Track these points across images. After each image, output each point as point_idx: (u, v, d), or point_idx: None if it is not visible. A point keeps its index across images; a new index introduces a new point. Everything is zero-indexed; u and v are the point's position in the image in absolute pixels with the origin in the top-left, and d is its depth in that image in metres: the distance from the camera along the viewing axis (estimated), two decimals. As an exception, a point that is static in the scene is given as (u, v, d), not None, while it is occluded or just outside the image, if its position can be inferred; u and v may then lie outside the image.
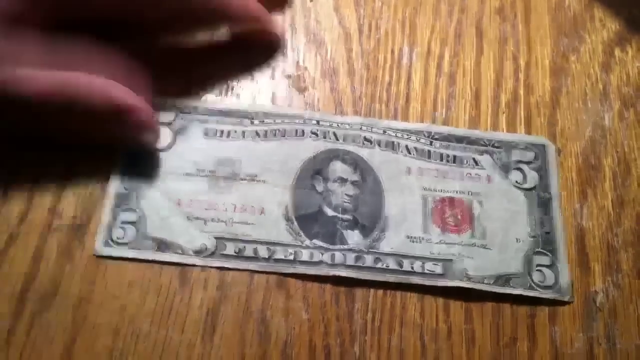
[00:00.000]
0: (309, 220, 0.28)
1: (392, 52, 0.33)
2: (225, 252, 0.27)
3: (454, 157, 0.30)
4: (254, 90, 0.31)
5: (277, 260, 0.27)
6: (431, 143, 0.30)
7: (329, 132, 0.30)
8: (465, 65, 0.33)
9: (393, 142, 0.30)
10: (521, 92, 0.32)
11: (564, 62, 0.33)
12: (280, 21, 0.33)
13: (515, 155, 0.30)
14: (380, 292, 0.27)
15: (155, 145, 0.28)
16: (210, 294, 0.26)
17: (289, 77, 0.32)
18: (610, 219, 0.29)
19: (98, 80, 0.26)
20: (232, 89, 0.31)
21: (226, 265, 0.27)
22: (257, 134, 0.30)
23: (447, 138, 0.30)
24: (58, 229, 0.27)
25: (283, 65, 0.32)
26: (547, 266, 0.27)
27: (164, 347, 0.25)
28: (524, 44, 0.33)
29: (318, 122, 0.30)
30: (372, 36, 0.33)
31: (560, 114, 0.31)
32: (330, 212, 0.28)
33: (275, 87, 0.31)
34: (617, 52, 0.34)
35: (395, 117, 0.31)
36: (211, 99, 0.30)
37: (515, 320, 0.27)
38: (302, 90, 0.31)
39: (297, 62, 0.32)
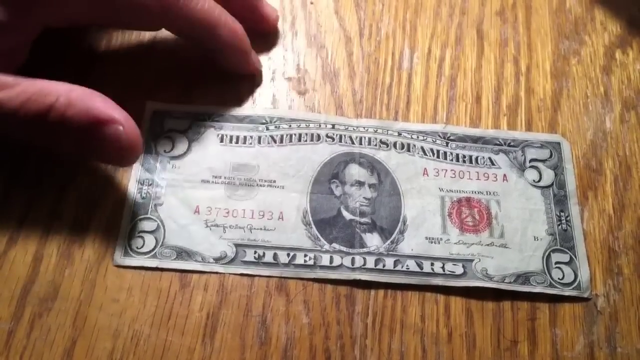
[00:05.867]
0: (327, 224, 0.28)
1: (393, 54, 0.33)
2: (245, 259, 0.27)
3: (470, 157, 0.30)
4: (254, 93, 0.31)
5: (297, 266, 0.27)
6: (447, 144, 0.30)
7: (344, 135, 0.30)
8: (466, 68, 0.33)
9: (409, 144, 0.30)
10: (522, 94, 0.32)
11: (565, 64, 0.33)
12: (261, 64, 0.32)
13: (531, 153, 0.30)
14: (380, 295, 0.27)
15: (132, 164, 0.27)
16: (211, 298, 0.26)
17: (289, 79, 0.32)
18: (611, 222, 0.29)
19: (78, 89, 0.25)
20: (232, 91, 0.31)
21: (247, 272, 0.27)
22: (273, 139, 0.30)
23: (463, 138, 0.30)
24: (58, 231, 0.27)
25: (283, 67, 0.32)
26: (565, 263, 0.27)
27: (164, 351, 0.25)
28: (525, 47, 0.33)
29: (333, 125, 0.30)
30: (372, 39, 0.33)
31: (561, 117, 0.31)
32: (348, 216, 0.28)
33: (276, 89, 0.31)
34: (618, 54, 0.33)
35: (396, 120, 0.31)
36: (220, 104, 0.31)
37: (516, 323, 0.26)
38: (302, 93, 0.31)
39: (298, 65, 0.32)
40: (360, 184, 0.29)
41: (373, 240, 0.28)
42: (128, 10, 0.27)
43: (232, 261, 0.27)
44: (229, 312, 0.26)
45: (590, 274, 0.27)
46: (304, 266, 0.27)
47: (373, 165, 0.29)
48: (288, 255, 0.27)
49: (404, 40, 0.33)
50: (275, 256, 0.27)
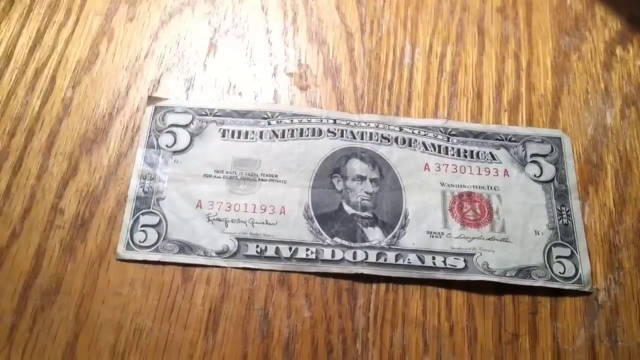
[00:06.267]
0: (329, 218, 0.28)
1: (394, 50, 0.33)
2: (247, 253, 0.27)
3: (471, 152, 0.30)
4: (255, 89, 0.31)
5: (299, 260, 0.27)
6: (448, 139, 0.30)
7: (346, 130, 0.30)
8: (467, 64, 0.33)
9: (410, 139, 0.30)
10: (523, 90, 0.32)
11: (565, 60, 0.33)
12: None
13: (532, 148, 0.30)
14: (382, 289, 0.27)
15: None
16: (213, 291, 0.26)
17: (291, 75, 0.32)
18: (612, 217, 0.29)
19: None
20: (234, 87, 0.31)
21: (249, 266, 0.27)
22: (275, 134, 0.30)
23: (464, 134, 0.30)
24: (60, 225, 0.27)
25: (285, 63, 0.32)
26: (566, 257, 0.28)
27: (167, 344, 0.25)
28: (526, 43, 0.34)
29: (335, 120, 0.30)
30: (374, 35, 0.33)
31: (562, 113, 0.32)
32: (350, 210, 0.28)
33: (277, 85, 0.31)
34: (618, 50, 0.34)
35: (397, 115, 0.31)
36: (221, 99, 0.31)
37: (517, 317, 0.27)
38: (304, 88, 0.31)
39: (299, 60, 0.32)
40: (362, 178, 0.29)
41: (375, 235, 0.28)
42: None
43: (234, 255, 0.27)
44: (231, 305, 0.26)
45: (591, 268, 0.27)
46: (306, 260, 0.27)
47: (374, 160, 0.29)
48: (290, 249, 0.27)
49: (405, 36, 0.33)
50: (277, 250, 0.27)
